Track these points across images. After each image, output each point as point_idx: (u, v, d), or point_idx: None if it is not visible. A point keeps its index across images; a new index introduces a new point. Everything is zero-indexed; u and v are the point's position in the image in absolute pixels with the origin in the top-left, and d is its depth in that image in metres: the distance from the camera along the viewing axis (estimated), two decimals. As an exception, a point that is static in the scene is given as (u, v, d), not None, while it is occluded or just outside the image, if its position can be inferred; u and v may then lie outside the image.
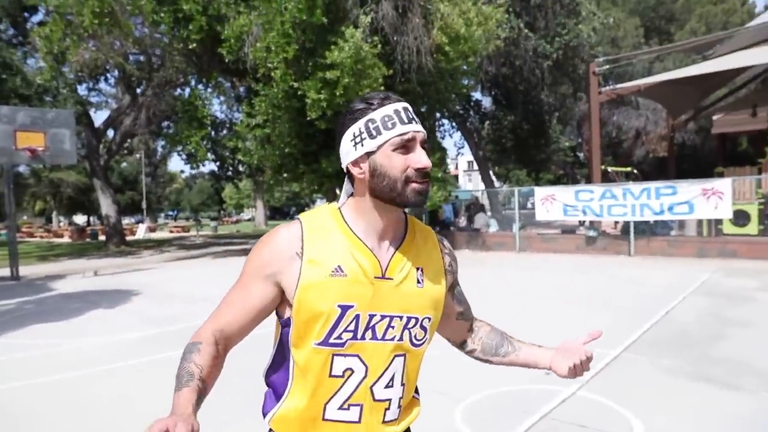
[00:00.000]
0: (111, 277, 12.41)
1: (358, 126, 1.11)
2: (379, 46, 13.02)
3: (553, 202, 14.19)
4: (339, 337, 1.10)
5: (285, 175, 16.47)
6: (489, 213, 18.29)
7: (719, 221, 12.71)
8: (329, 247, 1.12)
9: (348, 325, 1.10)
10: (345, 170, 1.18)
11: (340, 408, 1.14)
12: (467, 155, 48.67)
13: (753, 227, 12.30)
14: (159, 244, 24.17)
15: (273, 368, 1.21)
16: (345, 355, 1.11)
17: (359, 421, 1.15)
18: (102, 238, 26.43)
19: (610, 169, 23.19)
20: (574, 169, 38.80)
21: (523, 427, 3.45)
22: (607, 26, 21.31)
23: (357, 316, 1.11)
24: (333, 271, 1.09)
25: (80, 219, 54.61)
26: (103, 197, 22.12)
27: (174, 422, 0.85)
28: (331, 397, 1.13)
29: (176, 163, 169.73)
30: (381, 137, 1.08)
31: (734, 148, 29.38)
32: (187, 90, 20.55)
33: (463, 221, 17.61)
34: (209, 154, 18.90)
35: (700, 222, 13.14)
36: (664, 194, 12.54)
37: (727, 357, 4.84)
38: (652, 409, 3.68)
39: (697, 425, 3.43)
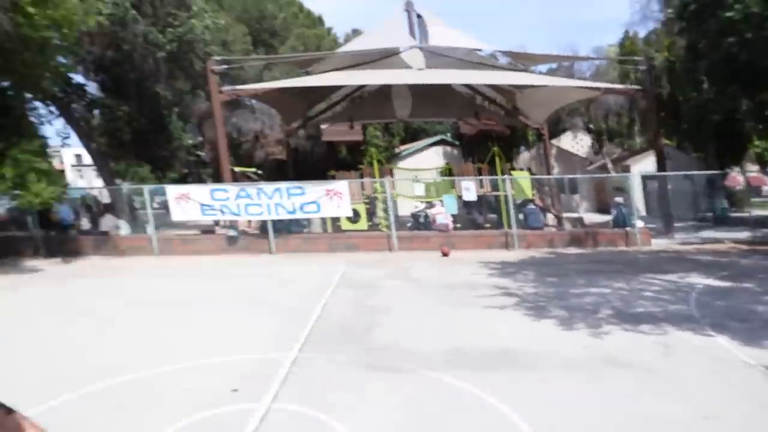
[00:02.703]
0: None
1: None
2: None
3: (188, 201, 13.58)
4: None
5: None
6: (116, 213, 16.24)
7: (338, 219, 14.55)
8: None
9: None
10: None
11: None
12: (75, 147, 42.40)
13: (363, 223, 14.56)
14: None
15: None
16: None
17: None
18: None
19: (236, 169, 23.85)
20: (199, 169, 38.50)
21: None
22: (218, 27, 21.79)
23: None
24: None
25: None
26: None
27: None
28: None
29: None
30: None
31: (337, 155, 34.35)
32: None
33: (86, 223, 15.14)
34: None
35: (324, 220, 14.80)
36: (294, 194, 13.57)
37: (385, 343, 5.49)
38: (349, 408, 3.84)
39: (386, 416, 3.71)
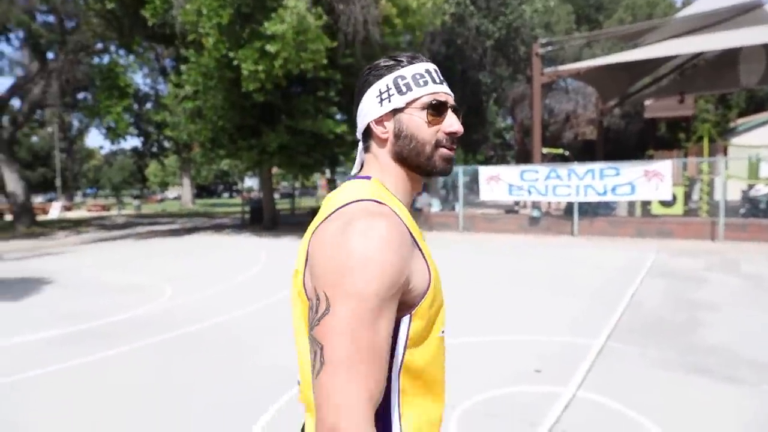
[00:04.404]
0: (17, 263, 11.01)
1: (385, 81, 1.03)
2: (324, 16, 12.20)
3: (498, 181, 14.04)
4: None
5: (220, 151, 15.32)
6: (429, 192, 18.03)
7: (648, 202, 13.06)
8: (413, 227, 0.98)
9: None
10: (361, 135, 1.09)
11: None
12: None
13: (678, 208, 12.77)
14: (76, 225, 22.18)
15: None
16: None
17: None
18: (8, 218, 23.96)
19: (544, 150, 23.61)
20: (504, 151, 39.53)
21: (536, 441, 3.01)
22: (547, 9, 21.44)
23: None
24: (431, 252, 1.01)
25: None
26: (8, 173, 19.85)
27: None
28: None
29: (95, 139, 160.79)
30: (411, 93, 1.01)
31: (655, 132, 30.88)
32: (106, 58, 18.72)
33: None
34: (132, 129, 17.34)
35: (631, 203, 13.49)
36: (608, 175, 12.67)
37: (714, 345, 4.66)
38: (664, 411, 3.36)
39: (719, 430, 3.14)
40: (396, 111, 1.02)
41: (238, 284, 8.03)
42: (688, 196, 13.51)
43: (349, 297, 0.81)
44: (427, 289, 0.92)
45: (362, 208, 0.90)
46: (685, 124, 25.29)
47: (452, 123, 1.03)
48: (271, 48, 11.56)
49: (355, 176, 1.06)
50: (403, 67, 1.03)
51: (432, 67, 1.05)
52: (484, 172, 14.34)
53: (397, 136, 1.02)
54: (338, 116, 15.36)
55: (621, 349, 4.61)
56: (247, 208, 21.10)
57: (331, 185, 22.98)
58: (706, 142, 15.36)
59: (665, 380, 3.90)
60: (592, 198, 12.89)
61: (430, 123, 1.01)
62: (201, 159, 16.69)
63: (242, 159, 15.17)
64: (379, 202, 0.94)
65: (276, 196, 26.38)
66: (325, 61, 12.49)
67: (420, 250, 0.94)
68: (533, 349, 4.65)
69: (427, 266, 0.94)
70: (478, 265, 9.46)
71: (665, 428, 3.12)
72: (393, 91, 1.02)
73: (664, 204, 12.86)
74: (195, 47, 13.24)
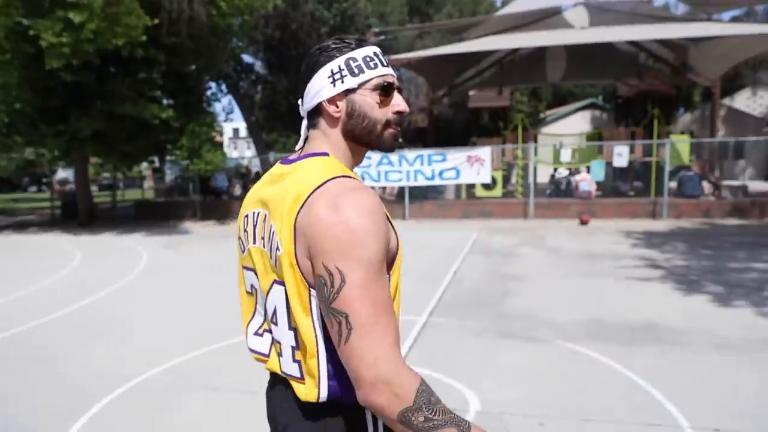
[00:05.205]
0: None
1: (337, 63, 1.09)
2: (143, -10, 11.13)
3: (333, 168, 14.16)
4: None
5: (17, 138, 13.27)
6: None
7: (472, 186, 14.21)
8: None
9: None
10: (308, 112, 1.15)
11: None
12: (234, 122, 46.88)
13: (498, 190, 14.09)
14: None
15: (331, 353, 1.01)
16: None
17: None
18: None
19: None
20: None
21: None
22: None
23: None
24: None
25: None
26: None
27: None
28: None
29: None
30: (363, 75, 1.08)
31: (478, 121, 33.62)
32: None
33: (238, 190, 16.73)
34: None
35: (458, 186, 14.58)
36: (436, 161, 13.47)
37: (520, 311, 5.18)
38: (477, 375, 3.63)
39: (517, 385, 3.47)
40: (348, 91, 1.08)
41: (41, 289, 7.05)
42: (507, 180, 14.90)
43: (359, 266, 0.91)
44: (397, 247, 1.04)
45: (341, 184, 0.98)
46: (503, 113, 27.84)
47: (399, 103, 1.12)
48: (75, 18, 10.25)
49: (312, 153, 1.10)
50: (353, 49, 1.09)
51: (378, 50, 1.13)
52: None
53: (350, 115, 1.09)
54: (164, 101, 14.23)
55: (442, 322, 4.90)
56: (57, 203, 18.72)
57: (158, 174, 21.31)
58: (520, 131, 17.02)
59: (480, 347, 4.23)
60: (422, 182, 13.62)
61: (381, 103, 1.09)
62: (-6, 147, 14.32)
63: (47, 147, 13.33)
64: (352, 177, 1.03)
65: (95, 188, 23.79)
66: (144, 38, 11.43)
67: (387, 215, 1.03)
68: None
69: (393, 229, 1.05)
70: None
71: (476, 390, 3.37)
72: (345, 72, 1.07)
73: (486, 187, 14.05)
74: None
